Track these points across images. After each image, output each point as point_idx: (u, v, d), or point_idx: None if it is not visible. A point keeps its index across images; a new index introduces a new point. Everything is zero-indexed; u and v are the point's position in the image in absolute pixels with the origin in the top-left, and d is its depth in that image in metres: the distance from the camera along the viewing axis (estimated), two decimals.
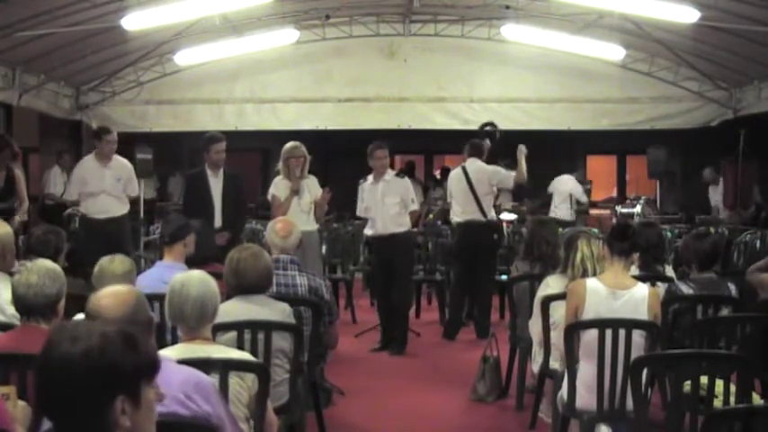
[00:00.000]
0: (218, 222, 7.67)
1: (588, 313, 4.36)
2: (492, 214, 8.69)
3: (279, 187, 7.66)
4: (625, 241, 4.47)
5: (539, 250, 6.08)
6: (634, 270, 5.40)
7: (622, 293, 4.36)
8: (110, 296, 2.90)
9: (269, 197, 7.80)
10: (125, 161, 8.71)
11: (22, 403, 2.91)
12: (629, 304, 4.34)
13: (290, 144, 7.70)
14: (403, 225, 7.97)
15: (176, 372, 2.83)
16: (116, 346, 1.85)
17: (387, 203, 7.91)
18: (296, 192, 7.56)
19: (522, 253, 6.43)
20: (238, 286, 4.31)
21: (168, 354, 3.06)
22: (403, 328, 8.02)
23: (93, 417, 1.83)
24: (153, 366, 1.93)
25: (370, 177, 8.05)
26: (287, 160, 7.61)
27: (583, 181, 13.21)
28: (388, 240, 7.93)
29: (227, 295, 4.20)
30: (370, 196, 8.00)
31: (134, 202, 9.28)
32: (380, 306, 8.15)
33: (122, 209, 8.55)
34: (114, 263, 4.47)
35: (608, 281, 4.42)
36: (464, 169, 8.61)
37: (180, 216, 6.19)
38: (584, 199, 12.97)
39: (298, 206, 7.56)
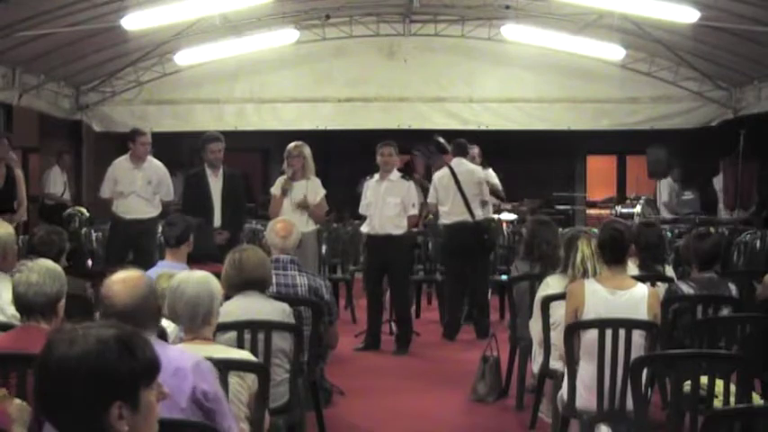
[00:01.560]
0: (217, 222, 7.69)
1: (588, 314, 4.35)
2: (479, 214, 8.52)
3: (277, 186, 7.73)
4: (617, 253, 4.44)
5: (539, 250, 6.07)
6: (634, 270, 5.40)
7: (622, 294, 4.35)
8: (120, 282, 2.96)
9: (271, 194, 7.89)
10: (159, 164, 8.67)
11: (17, 401, 2.90)
12: (629, 304, 4.33)
13: (292, 144, 7.77)
14: (400, 227, 7.95)
15: (175, 352, 2.86)
16: (112, 351, 1.84)
17: (387, 203, 7.91)
18: (284, 191, 7.59)
19: (521, 253, 6.43)
20: (241, 280, 4.32)
21: None
22: (407, 328, 8.03)
23: (91, 421, 1.83)
24: (151, 370, 1.92)
25: (377, 175, 8.06)
26: (286, 160, 7.69)
27: (675, 179, 13.11)
28: (384, 241, 7.93)
29: (225, 296, 4.20)
30: (373, 193, 8.01)
31: None
32: (371, 306, 8.14)
33: (152, 212, 8.52)
34: None
35: (607, 282, 4.41)
36: (451, 169, 8.56)
37: (180, 216, 6.18)
38: (664, 199, 12.95)
39: (290, 206, 7.58)
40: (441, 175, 8.66)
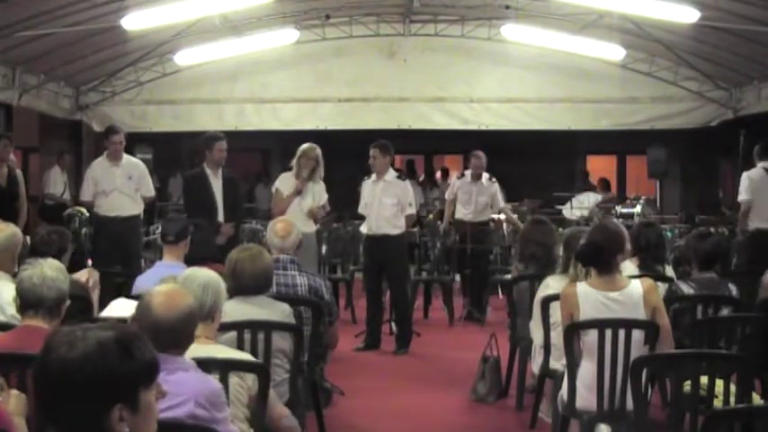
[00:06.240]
0: (221, 221, 7.70)
1: (585, 318, 4.33)
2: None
3: (284, 182, 7.73)
4: (597, 263, 4.36)
5: (528, 250, 6.07)
6: (634, 270, 5.39)
7: (617, 295, 4.30)
8: (163, 295, 2.88)
9: (273, 189, 7.87)
10: (137, 161, 8.76)
11: (14, 392, 2.88)
12: (626, 305, 4.29)
13: (306, 144, 7.77)
14: (397, 227, 7.98)
15: (193, 379, 2.85)
16: (112, 353, 1.84)
17: (384, 203, 7.94)
18: (298, 192, 7.59)
19: (517, 254, 6.44)
20: (235, 287, 4.31)
21: None
22: (407, 327, 8.04)
23: (91, 423, 1.83)
24: (151, 372, 1.92)
25: (374, 176, 8.08)
26: (299, 159, 7.66)
27: None
28: (381, 241, 7.96)
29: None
30: (370, 194, 8.05)
31: None
32: (370, 306, 8.15)
33: (134, 209, 8.53)
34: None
35: (598, 284, 4.35)
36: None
37: (178, 215, 6.19)
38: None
39: (298, 207, 7.59)
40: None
